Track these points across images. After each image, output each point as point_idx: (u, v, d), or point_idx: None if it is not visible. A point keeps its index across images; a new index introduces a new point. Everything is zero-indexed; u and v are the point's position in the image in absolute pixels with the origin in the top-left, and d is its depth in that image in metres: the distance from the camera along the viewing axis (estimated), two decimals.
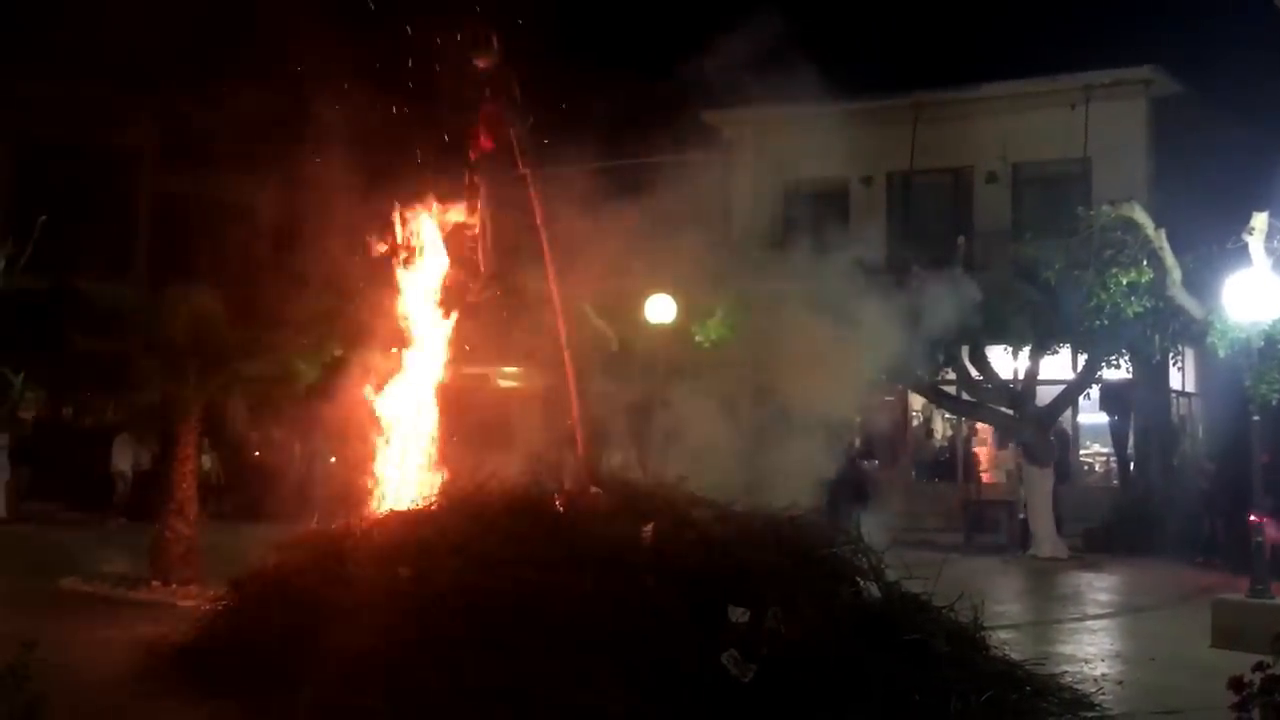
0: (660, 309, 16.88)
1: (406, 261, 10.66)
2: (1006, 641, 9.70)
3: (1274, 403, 13.67)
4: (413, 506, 9.65)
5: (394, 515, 9.53)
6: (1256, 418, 12.10)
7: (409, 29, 10.31)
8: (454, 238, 10.90)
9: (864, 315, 12.22)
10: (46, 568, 14.03)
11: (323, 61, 10.71)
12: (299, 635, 8.32)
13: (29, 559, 15.10)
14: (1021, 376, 19.31)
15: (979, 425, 22.22)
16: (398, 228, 10.48)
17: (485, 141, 10.63)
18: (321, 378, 13.43)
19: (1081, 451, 22.58)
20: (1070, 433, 21.68)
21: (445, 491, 9.64)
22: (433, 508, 9.42)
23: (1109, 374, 18.93)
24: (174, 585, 13.06)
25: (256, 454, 21.63)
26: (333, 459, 20.82)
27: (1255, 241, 12.26)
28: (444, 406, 10.82)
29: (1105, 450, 22.22)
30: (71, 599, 12.72)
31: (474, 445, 11.01)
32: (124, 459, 20.76)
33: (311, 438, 21.54)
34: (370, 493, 10.46)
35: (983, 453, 22.76)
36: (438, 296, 10.90)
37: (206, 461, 17.87)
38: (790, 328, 11.89)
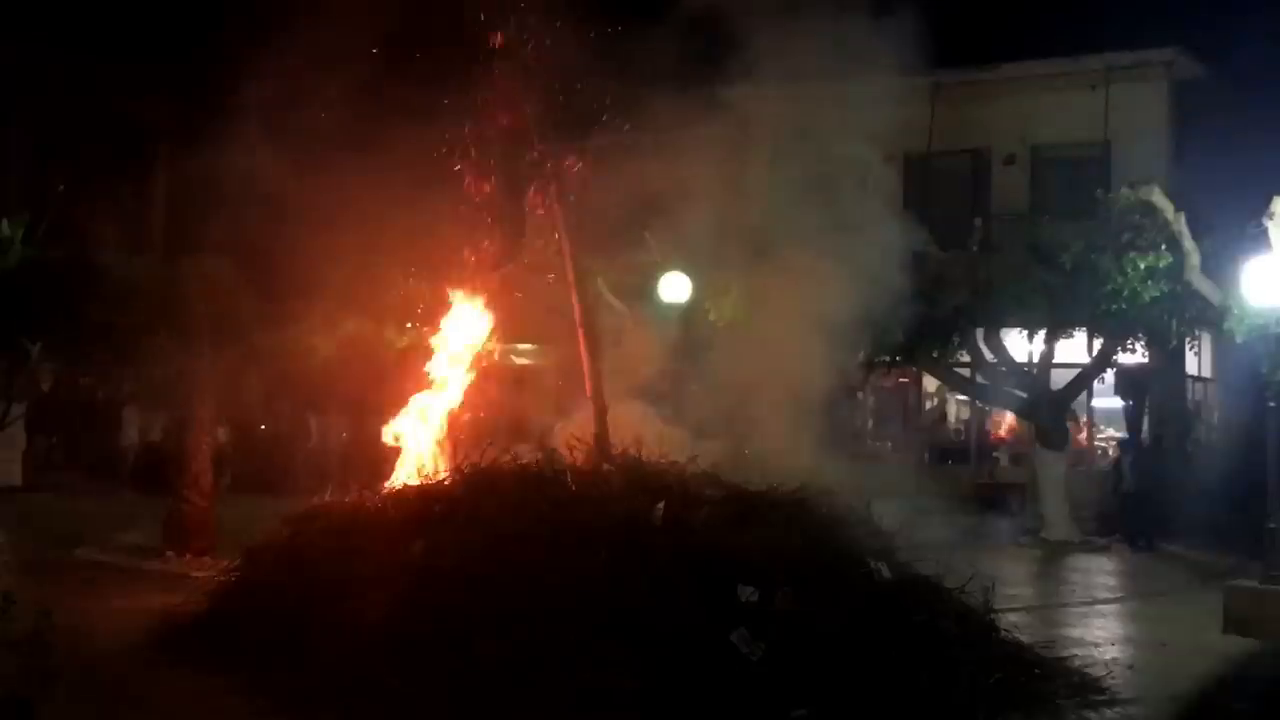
0: (675, 287, 16.84)
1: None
2: (1016, 625, 9.72)
3: None
4: (425, 482, 9.68)
5: (407, 490, 9.57)
6: (1273, 404, 12.03)
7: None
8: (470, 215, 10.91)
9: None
10: (62, 537, 14.13)
11: (340, 35, 10.69)
12: (311, 607, 8.39)
13: (45, 528, 15.20)
14: (1036, 359, 19.24)
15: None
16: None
17: (501, 119, 10.63)
18: (336, 352, 13.48)
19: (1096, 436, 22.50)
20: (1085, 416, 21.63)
21: (458, 467, 9.67)
22: (445, 483, 9.46)
23: (1125, 358, 18.84)
24: (188, 556, 13.16)
25: (270, 427, 21.74)
26: (344, 434, 20.96)
27: (1275, 226, 12.16)
28: (459, 383, 10.85)
29: (1120, 435, 22.13)
30: (87, 568, 12.82)
31: (487, 421, 11.04)
32: (131, 431, 20.91)
33: (326, 411, 21.65)
34: (384, 467, 10.51)
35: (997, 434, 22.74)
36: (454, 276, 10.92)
37: (221, 434, 17.94)
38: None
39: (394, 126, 10.48)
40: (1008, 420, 22.38)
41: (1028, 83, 22.32)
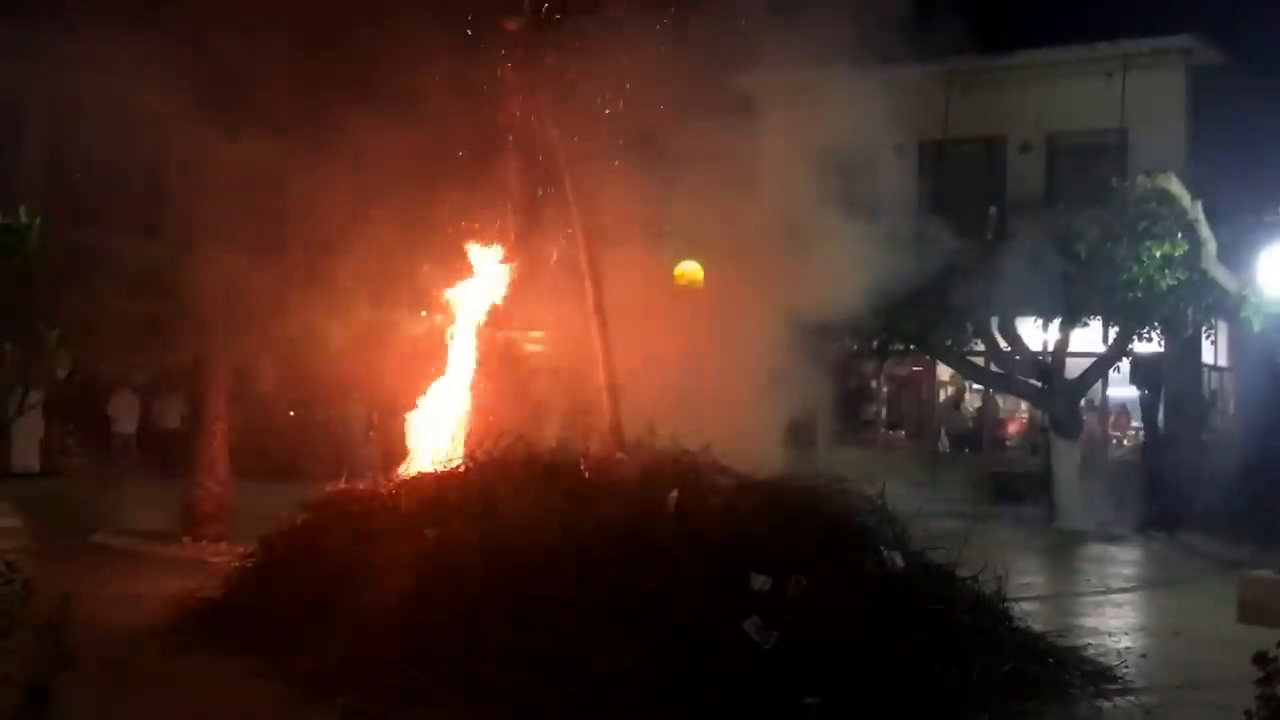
0: (688, 273, 16.81)
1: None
2: (1030, 613, 9.71)
3: None
4: (441, 469, 9.72)
5: (421, 477, 9.61)
6: None
7: None
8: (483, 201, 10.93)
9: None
10: (77, 522, 14.23)
11: (356, 20, 10.71)
12: (326, 593, 8.43)
13: (60, 513, 15.30)
14: (1051, 349, 19.19)
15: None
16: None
17: (516, 105, 10.64)
18: (351, 340, 13.50)
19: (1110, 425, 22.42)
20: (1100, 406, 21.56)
21: (472, 454, 9.71)
22: (460, 471, 9.49)
23: (1140, 347, 18.78)
24: (204, 542, 13.23)
25: (297, 414, 21.81)
26: (357, 421, 21.01)
27: None
28: (472, 369, 10.88)
29: (1135, 424, 22.06)
30: (103, 553, 12.91)
31: (501, 409, 11.06)
32: (125, 415, 21.03)
33: (341, 399, 21.71)
34: (398, 454, 10.54)
35: (1011, 424, 22.69)
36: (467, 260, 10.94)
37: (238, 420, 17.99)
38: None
39: (408, 112, 10.49)
40: (1019, 413, 22.35)
41: (1044, 70, 22.20)
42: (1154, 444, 19.51)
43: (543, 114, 10.61)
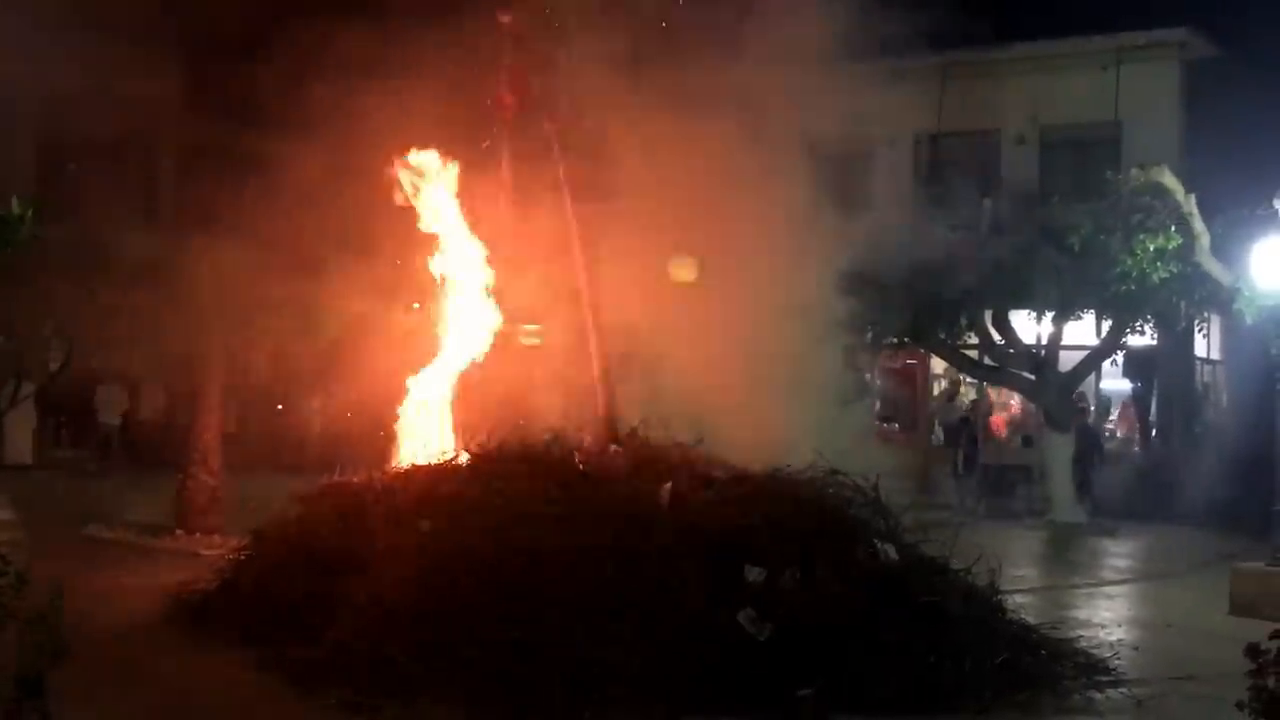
0: (684, 269, 16.80)
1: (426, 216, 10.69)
2: (1023, 606, 9.75)
3: None
4: (434, 462, 9.71)
5: (415, 470, 9.60)
6: None
7: None
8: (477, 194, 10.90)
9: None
10: (71, 514, 14.21)
11: (348, 11, 10.69)
12: (320, 586, 8.43)
13: (54, 506, 15.29)
14: (1045, 341, 19.21)
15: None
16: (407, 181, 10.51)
17: (509, 98, 10.62)
18: (344, 332, 13.48)
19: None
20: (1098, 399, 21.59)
21: (466, 447, 9.70)
22: (454, 463, 9.49)
23: (1133, 340, 18.80)
24: (197, 534, 13.23)
25: (280, 406, 21.80)
26: (349, 414, 20.98)
27: None
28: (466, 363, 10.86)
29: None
30: (96, 546, 12.90)
31: (496, 402, 11.05)
32: (108, 407, 21.03)
33: (335, 391, 21.68)
34: (392, 447, 10.53)
35: (1003, 417, 22.71)
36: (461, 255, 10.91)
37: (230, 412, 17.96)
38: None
39: (402, 102, 10.47)
40: (1012, 404, 22.38)
41: (1039, 63, 22.18)
42: (1083, 436, 19.49)
43: (536, 102, 10.59)
